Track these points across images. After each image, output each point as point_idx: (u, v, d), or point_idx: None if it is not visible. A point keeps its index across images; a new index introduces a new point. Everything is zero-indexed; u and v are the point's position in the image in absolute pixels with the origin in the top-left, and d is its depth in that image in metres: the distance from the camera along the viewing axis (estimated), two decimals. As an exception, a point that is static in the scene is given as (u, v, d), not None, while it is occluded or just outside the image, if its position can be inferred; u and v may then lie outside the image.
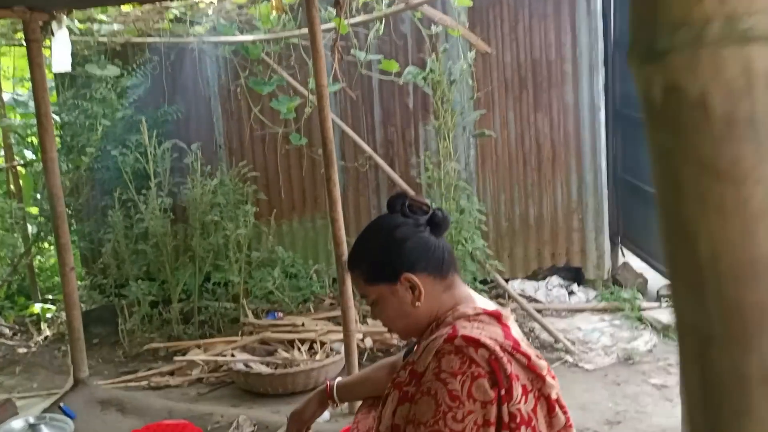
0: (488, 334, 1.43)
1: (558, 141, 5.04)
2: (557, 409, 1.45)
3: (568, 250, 5.20)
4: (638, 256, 6.00)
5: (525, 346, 1.48)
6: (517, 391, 1.38)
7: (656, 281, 5.48)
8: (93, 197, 5.61)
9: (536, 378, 1.43)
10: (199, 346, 4.56)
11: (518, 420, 1.37)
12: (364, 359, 4.26)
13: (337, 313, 5.06)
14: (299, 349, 4.41)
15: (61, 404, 3.59)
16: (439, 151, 4.47)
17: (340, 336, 4.49)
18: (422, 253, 1.55)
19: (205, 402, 3.98)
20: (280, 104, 4.76)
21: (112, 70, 4.42)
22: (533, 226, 5.20)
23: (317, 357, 4.30)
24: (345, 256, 3.57)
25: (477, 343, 1.39)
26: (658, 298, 5.12)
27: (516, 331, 1.53)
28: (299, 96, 4.92)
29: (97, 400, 3.84)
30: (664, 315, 4.71)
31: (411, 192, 4.90)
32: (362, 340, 4.39)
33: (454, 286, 1.57)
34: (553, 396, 1.45)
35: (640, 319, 4.73)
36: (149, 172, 4.75)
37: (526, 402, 1.39)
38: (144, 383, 4.28)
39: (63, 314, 5.46)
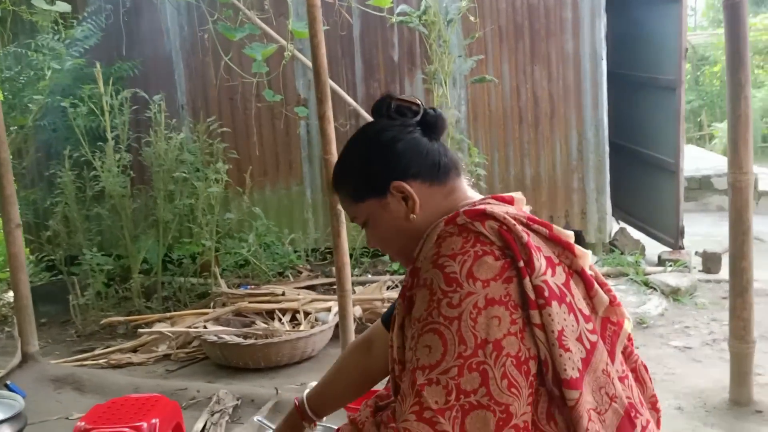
0: (492, 208, 1.20)
1: (557, 94, 4.69)
2: (596, 285, 1.19)
3: (568, 212, 4.86)
4: (629, 223, 5.74)
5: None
6: (540, 261, 1.13)
7: (654, 247, 5.23)
8: (39, 161, 5.01)
9: (563, 250, 1.19)
10: (165, 320, 4.03)
11: (547, 294, 1.10)
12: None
13: (321, 281, 4.62)
14: (280, 319, 3.94)
15: (8, 381, 3.06)
16: (433, 101, 4.05)
17: (326, 305, 4.06)
18: (413, 157, 1.29)
19: (176, 378, 3.47)
20: (254, 50, 4.25)
21: (62, 6, 3.85)
22: (530, 187, 4.84)
23: (301, 328, 3.84)
24: (339, 205, 3.12)
25: (483, 215, 1.16)
26: (660, 262, 4.86)
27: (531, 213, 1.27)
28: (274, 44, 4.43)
29: (50, 378, 3.31)
30: (672, 278, 4.43)
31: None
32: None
33: (456, 191, 1.30)
34: (588, 270, 1.21)
35: (647, 284, 4.44)
36: (105, 126, 4.19)
37: (554, 275, 1.14)
38: (102, 361, 3.74)
39: (5, 296, 4.86)
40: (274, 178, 5.22)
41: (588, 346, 1.13)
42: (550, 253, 1.17)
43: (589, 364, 1.12)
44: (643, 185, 5.39)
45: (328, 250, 5.21)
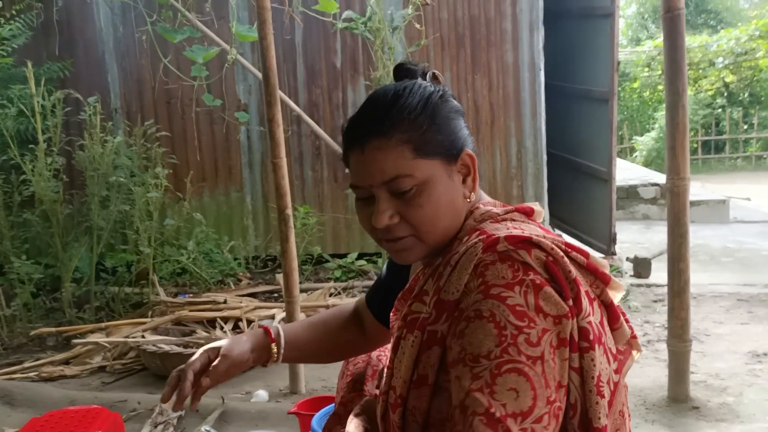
0: (531, 232, 1.06)
1: (497, 103, 4.79)
2: (621, 319, 1.10)
3: (507, 219, 4.96)
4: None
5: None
6: (585, 300, 1.01)
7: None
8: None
9: (596, 281, 1.07)
10: (99, 330, 3.87)
11: (591, 337, 0.99)
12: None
13: (263, 288, 4.55)
14: (222, 328, 3.85)
15: (-71, 397, 2.86)
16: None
17: (269, 312, 3.99)
18: (469, 133, 1.17)
19: (114, 390, 3.33)
20: (195, 53, 4.17)
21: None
22: (470, 195, 4.90)
23: (244, 336, 3.75)
24: (289, 209, 3.08)
25: (528, 244, 1.02)
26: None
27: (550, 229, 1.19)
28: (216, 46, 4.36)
29: (-24, 392, 3.12)
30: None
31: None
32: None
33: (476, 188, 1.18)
34: (616, 302, 1.10)
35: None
36: (36, 128, 4.00)
37: (593, 313, 1.02)
38: (33, 374, 3.55)
39: None
40: (212, 184, 5.12)
41: (612, 387, 1.05)
42: (587, 286, 1.05)
43: (611, 406, 1.05)
44: (577, 193, 5.57)
45: (268, 258, 5.13)
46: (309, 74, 4.96)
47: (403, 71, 1.19)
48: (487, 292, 0.98)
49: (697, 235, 5.34)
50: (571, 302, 0.99)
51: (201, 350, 1.39)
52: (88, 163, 4.08)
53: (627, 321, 1.11)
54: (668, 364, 2.88)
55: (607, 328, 1.06)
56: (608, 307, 1.08)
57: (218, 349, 1.37)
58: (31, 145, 4.08)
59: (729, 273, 5.07)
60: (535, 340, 0.95)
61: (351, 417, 1.30)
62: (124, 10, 4.86)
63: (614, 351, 1.06)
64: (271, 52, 3.00)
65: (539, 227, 1.13)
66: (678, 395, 2.82)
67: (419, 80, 1.16)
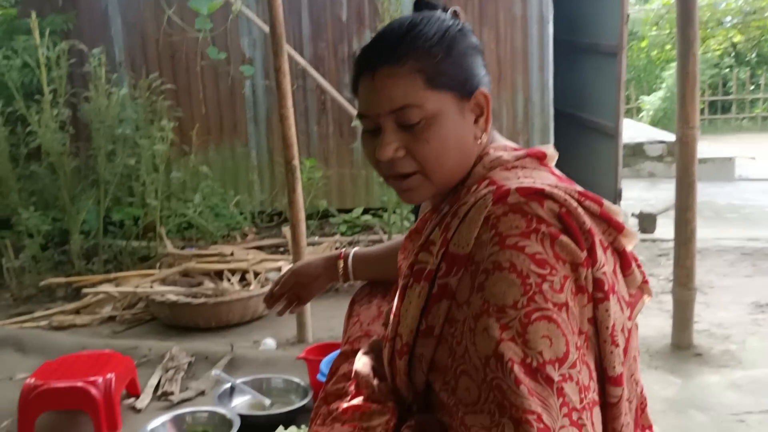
0: (542, 181, 1.03)
1: (504, 57, 4.74)
2: (633, 265, 1.07)
3: (513, 174, 4.95)
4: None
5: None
6: (600, 250, 0.99)
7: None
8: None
9: (609, 228, 1.04)
10: (109, 281, 3.91)
11: (606, 287, 0.98)
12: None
13: (269, 242, 4.57)
14: (229, 280, 3.88)
15: (-57, 342, 2.91)
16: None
17: (276, 264, 4.03)
18: (486, 73, 1.12)
19: (124, 338, 3.38)
20: (199, 4, 4.12)
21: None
22: (476, 150, 4.89)
23: (251, 288, 3.79)
24: (295, 160, 3.08)
25: (540, 195, 0.99)
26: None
27: (563, 175, 1.14)
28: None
29: (-11, 339, 3.17)
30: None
31: (354, 113, 4.49)
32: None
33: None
34: (629, 249, 1.07)
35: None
36: (41, 80, 3.98)
37: (607, 263, 1.00)
38: (43, 323, 3.60)
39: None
40: (218, 138, 5.10)
41: (626, 334, 1.03)
42: (600, 235, 1.02)
43: (627, 353, 1.03)
44: (583, 149, 5.55)
45: (274, 212, 5.15)
46: (314, 27, 4.91)
47: (422, 4, 1.15)
48: (504, 243, 0.96)
49: (703, 192, 5.35)
50: (585, 253, 0.97)
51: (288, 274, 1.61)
52: (94, 116, 4.07)
53: (639, 266, 1.10)
54: (672, 312, 2.92)
55: (620, 276, 1.04)
56: (621, 254, 1.06)
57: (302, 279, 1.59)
58: (36, 96, 4.06)
59: (734, 228, 5.08)
60: (559, 287, 0.94)
61: (359, 355, 1.31)
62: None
63: (627, 298, 1.05)
64: (278, 1, 2.97)
65: (551, 173, 1.10)
66: (681, 342, 2.86)
67: (439, 11, 1.12)
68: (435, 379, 1.09)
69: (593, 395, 0.96)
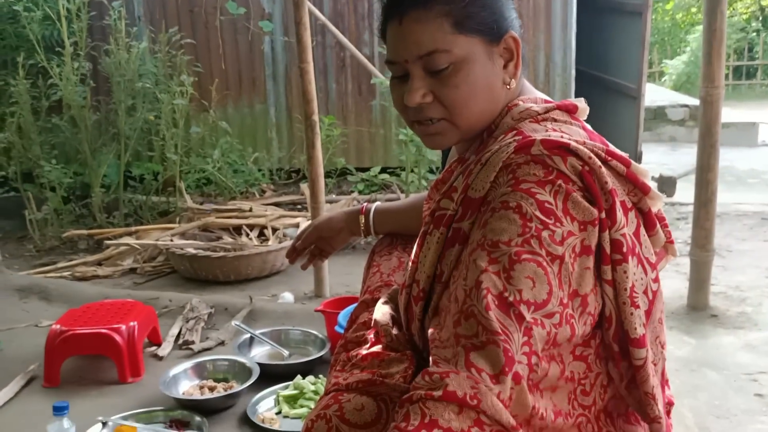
0: (570, 136, 1.01)
1: (526, 15, 4.66)
2: (658, 225, 1.07)
3: (532, 135, 4.92)
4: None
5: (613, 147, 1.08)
6: (620, 211, 0.98)
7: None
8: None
9: (635, 189, 1.03)
10: (130, 234, 3.96)
11: (624, 249, 0.96)
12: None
13: (288, 198, 4.60)
14: (248, 235, 3.93)
15: (-29, 289, 2.98)
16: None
17: (294, 221, 4.06)
18: (516, 16, 1.11)
19: (145, 289, 3.44)
20: (219, -43, 4.08)
21: None
22: (496, 110, 4.85)
23: (269, 243, 3.83)
24: (315, 116, 3.08)
25: (565, 150, 0.97)
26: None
27: (594, 132, 1.11)
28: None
29: (14, 288, 3.25)
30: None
31: (375, 71, 4.46)
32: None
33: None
34: (654, 210, 1.06)
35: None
36: (62, 33, 3.99)
37: (627, 224, 0.99)
38: (66, 274, 3.67)
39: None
40: (236, 95, 5.10)
41: (650, 296, 1.02)
42: (624, 196, 1.01)
43: (651, 315, 1.02)
44: (604, 111, 5.48)
45: (292, 170, 5.17)
46: (334, -18, 4.85)
47: None
48: (517, 186, 0.95)
49: (725, 157, 5.30)
50: (604, 214, 0.96)
51: (310, 229, 1.62)
52: (114, 70, 4.08)
53: (665, 226, 1.09)
54: (689, 273, 2.92)
55: (644, 238, 1.03)
56: (645, 215, 1.05)
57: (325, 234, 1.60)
58: (57, 49, 4.08)
59: (755, 193, 5.04)
60: (559, 239, 0.92)
61: (378, 304, 1.33)
62: None
63: (653, 260, 1.04)
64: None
65: (582, 128, 1.08)
66: (697, 304, 2.87)
67: None
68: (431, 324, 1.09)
69: (567, 356, 0.97)
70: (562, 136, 1.00)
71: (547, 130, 1.02)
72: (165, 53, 4.29)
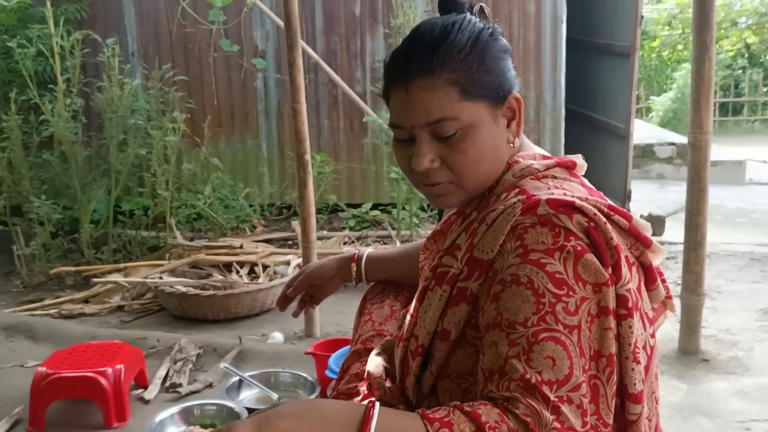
0: (572, 193, 1.03)
1: (517, 55, 4.70)
2: (658, 280, 1.09)
3: (523, 173, 4.95)
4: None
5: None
6: (625, 267, 0.99)
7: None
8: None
9: (636, 243, 1.05)
10: (118, 270, 3.93)
11: (630, 304, 0.98)
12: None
13: (279, 235, 4.59)
14: (238, 272, 3.90)
15: (-45, 328, 2.94)
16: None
17: (285, 258, 4.04)
18: (515, 74, 1.12)
19: (133, 328, 3.40)
20: (214, -3, 4.13)
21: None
22: (487, 148, 4.89)
23: (260, 281, 3.81)
24: (307, 155, 3.09)
25: (570, 208, 0.99)
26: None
27: (591, 186, 1.14)
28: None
29: (0, 326, 3.20)
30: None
31: (367, 109, 4.50)
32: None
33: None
34: (655, 264, 1.08)
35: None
36: (55, 69, 4.00)
37: (632, 279, 1.00)
38: (53, 311, 3.63)
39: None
40: (228, 130, 5.11)
41: (649, 351, 1.04)
42: (627, 251, 1.03)
43: (648, 371, 1.04)
44: (593, 150, 5.53)
45: (283, 206, 5.16)
46: (327, 21, 4.91)
47: (449, 4, 1.13)
48: (526, 257, 0.96)
49: (712, 196, 5.36)
50: (610, 270, 0.97)
51: (301, 274, 1.61)
52: (107, 106, 4.08)
53: (664, 281, 1.11)
54: (680, 317, 2.91)
55: (644, 292, 1.05)
56: (646, 269, 1.07)
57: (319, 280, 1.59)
58: (50, 85, 4.08)
59: (743, 233, 5.07)
60: (573, 309, 0.93)
61: (372, 355, 1.32)
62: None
63: (650, 315, 1.06)
64: (294, 16, 2.97)
65: (581, 184, 1.10)
66: (689, 348, 2.86)
67: (468, 15, 1.10)
68: (443, 385, 1.10)
69: (606, 418, 0.96)
70: (564, 194, 1.01)
71: (549, 188, 1.04)
72: (158, 89, 4.30)
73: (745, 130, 13.09)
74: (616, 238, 1.00)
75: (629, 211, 4.92)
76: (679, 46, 15.86)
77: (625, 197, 5.15)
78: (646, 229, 1.07)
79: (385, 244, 4.42)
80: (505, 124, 1.09)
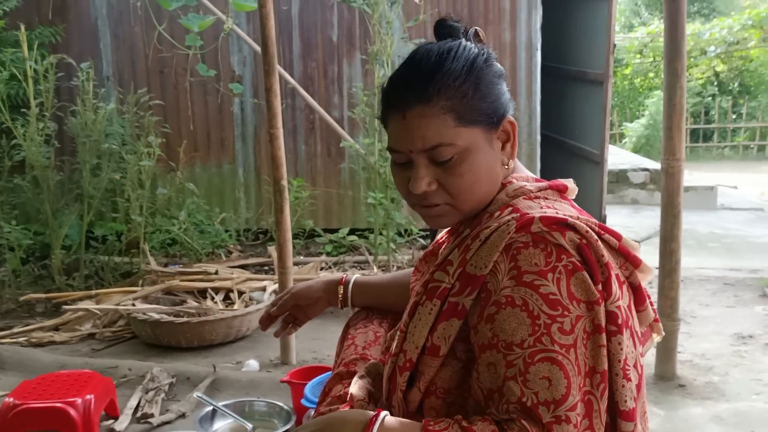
0: (564, 212, 1.06)
1: (492, 82, 4.77)
2: (647, 301, 1.11)
3: (499, 198, 4.98)
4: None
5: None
6: (615, 284, 1.02)
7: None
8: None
9: (626, 263, 1.08)
10: (90, 297, 3.86)
11: (620, 321, 1.00)
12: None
13: (255, 261, 4.55)
14: (213, 299, 3.85)
15: None
16: (375, 83, 4.05)
17: (260, 284, 4.00)
18: (510, 98, 1.14)
19: (104, 357, 3.33)
20: (191, 22, 4.12)
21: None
22: (463, 173, 4.91)
23: (235, 307, 3.76)
24: (284, 180, 3.08)
25: (563, 226, 1.01)
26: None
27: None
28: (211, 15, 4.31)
29: (-34, 355, 3.11)
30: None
31: (344, 134, 4.50)
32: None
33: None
34: (644, 284, 1.11)
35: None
36: (28, 93, 3.95)
37: (622, 297, 1.03)
38: (22, 339, 3.54)
39: None
40: (205, 155, 5.08)
41: (640, 370, 1.05)
42: (617, 269, 1.06)
43: (640, 389, 1.06)
44: (569, 175, 5.54)
45: (259, 231, 5.12)
46: (304, 47, 4.93)
47: (445, 29, 1.15)
48: (520, 279, 0.98)
49: (685, 221, 5.42)
50: (600, 286, 0.99)
51: (286, 295, 1.56)
52: (80, 130, 4.04)
53: (651, 304, 1.13)
54: (656, 342, 2.92)
55: (634, 311, 1.07)
56: (636, 290, 1.09)
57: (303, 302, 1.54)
58: (23, 110, 4.03)
59: (715, 258, 5.13)
60: (569, 329, 0.96)
61: (355, 378, 1.31)
62: (118, -26, 4.79)
63: (640, 335, 1.08)
64: (270, 21, 2.98)
65: (572, 206, 1.13)
66: (665, 373, 2.87)
67: (463, 41, 1.12)
68: (429, 402, 1.10)
69: None
70: (557, 213, 1.04)
71: (541, 207, 1.07)
72: (133, 114, 4.27)
73: (715, 155, 13.35)
74: (607, 256, 1.02)
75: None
76: (651, 74, 16.17)
77: (601, 221, 5.19)
78: (636, 249, 1.09)
79: (363, 269, 4.40)
80: (500, 146, 1.11)
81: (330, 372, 1.47)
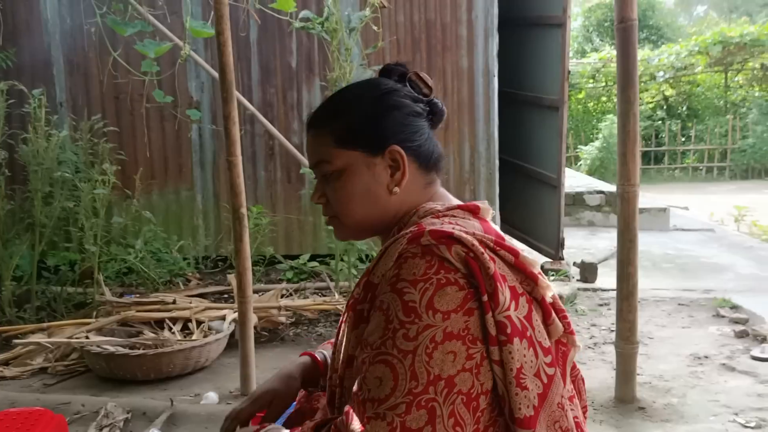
0: (462, 228, 1.12)
1: (451, 108, 4.83)
2: (553, 314, 1.14)
3: (459, 223, 5.00)
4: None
5: (508, 241, 1.16)
6: (505, 294, 1.05)
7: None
8: None
9: (526, 278, 1.11)
10: (41, 330, 3.73)
11: (509, 330, 1.04)
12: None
13: (214, 289, 4.47)
14: (170, 329, 3.76)
15: None
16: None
17: (219, 313, 3.93)
18: (415, 132, 1.22)
19: (56, 392, 3.22)
20: (147, 48, 4.07)
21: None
22: (424, 198, 4.93)
23: (193, 337, 3.68)
24: (243, 208, 3.04)
25: (449, 239, 1.06)
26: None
27: (496, 228, 1.21)
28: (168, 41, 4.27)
29: None
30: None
31: (303, 160, 4.47)
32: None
33: (434, 185, 1.25)
34: (548, 299, 1.14)
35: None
36: (-24, 119, 3.85)
37: (516, 308, 1.06)
38: (-31, 376, 3.40)
39: None
40: (162, 182, 5.00)
41: (545, 380, 1.08)
42: (515, 282, 1.09)
43: (546, 398, 1.08)
44: (527, 199, 5.66)
45: (219, 258, 5.05)
46: (263, 73, 4.91)
47: (384, 71, 1.28)
48: (394, 285, 1.04)
49: (640, 242, 5.55)
50: (486, 297, 1.03)
51: (250, 400, 1.39)
52: (32, 158, 3.94)
53: (564, 318, 1.15)
54: (615, 365, 2.96)
55: (536, 323, 1.09)
56: (540, 303, 1.12)
57: (270, 398, 1.40)
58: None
59: (670, 278, 5.24)
60: (413, 335, 1.01)
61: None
62: (72, 1, 4.71)
63: (546, 345, 1.09)
64: (228, 47, 2.96)
65: (482, 224, 1.16)
66: (625, 396, 2.90)
67: (378, 78, 1.27)
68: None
69: None
70: (453, 228, 1.09)
71: (443, 224, 1.12)
72: (87, 141, 4.19)
73: (666, 177, 13.71)
74: (501, 270, 1.07)
75: (563, 258, 4.98)
76: (603, 98, 16.59)
77: (559, 245, 5.26)
78: (534, 265, 1.13)
79: (324, 295, 4.36)
80: (389, 173, 1.19)
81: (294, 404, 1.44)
